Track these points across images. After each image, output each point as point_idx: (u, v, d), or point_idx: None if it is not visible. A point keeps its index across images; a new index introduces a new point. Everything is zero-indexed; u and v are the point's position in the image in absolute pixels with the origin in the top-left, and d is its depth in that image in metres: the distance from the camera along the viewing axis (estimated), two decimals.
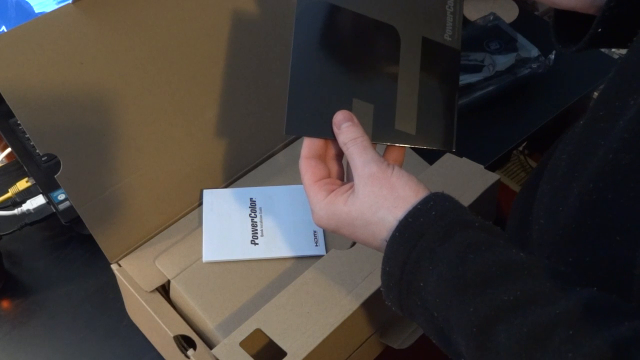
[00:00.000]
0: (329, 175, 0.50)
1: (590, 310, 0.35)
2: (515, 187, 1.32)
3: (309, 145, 0.49)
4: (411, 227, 0.43)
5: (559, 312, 0.35)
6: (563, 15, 0.50)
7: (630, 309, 0.35)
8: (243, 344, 0.51)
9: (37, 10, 0.88)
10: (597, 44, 0.47)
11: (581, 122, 0.48)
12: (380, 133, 0.49)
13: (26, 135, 0.79)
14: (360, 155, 0.47)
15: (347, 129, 0.48)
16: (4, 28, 0.87)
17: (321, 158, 0.50)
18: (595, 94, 1.11)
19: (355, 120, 0.49)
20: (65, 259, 0.75)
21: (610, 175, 0.39)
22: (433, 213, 0.43)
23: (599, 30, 0.45)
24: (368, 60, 0.49)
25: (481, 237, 0.41)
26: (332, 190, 0.48)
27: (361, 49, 0.50)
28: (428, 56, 0.49)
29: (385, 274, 0.44)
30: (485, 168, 0.65)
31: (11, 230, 0.73)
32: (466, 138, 0.88)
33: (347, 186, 0.48)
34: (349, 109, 0.49)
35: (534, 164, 1.34)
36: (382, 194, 0.45)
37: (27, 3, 0.88)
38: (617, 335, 0.33)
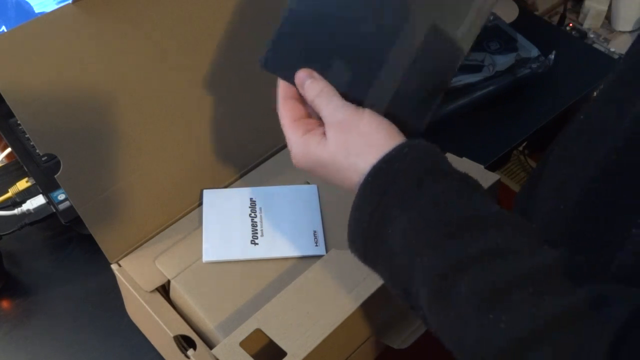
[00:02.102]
0: (307, 116, 0.49)
1: (554, 270, 0.35)
2: (515, 187, 1.32)
3: (286, 86, 0.49)
4: (384, 172, 0.42)
5: (524, 269, 0.35)
6: None
7: (590, 270, 0.36)
8: (243, 344, 0.51)
9: (37, 10, 0.88)
10: None
11: (581, 116, 0.48)
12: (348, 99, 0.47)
13: (26, 135, 0.79)
14: (327, 105, 0.46)
15: (310, 85, 0.48)
16: (4, 28, 0.87)
17: (299, 99, 0.50)
18: (596, 94, 1.11)
19: (316, 74, 0.48)
20: (65, 259, 0.76)
21: (614, 174, 0.39)
22: (408, 159, 0.42)
23: None
24: (367, 26, 0.47)
25: (456, 187, 0.41)
26: (309, 131, 0.47)
27: (364, 13, 0.47)
28: (430, 44, 0.46)
29: (354, 219, 0.44)
30: (485, 168, 0.65)
31: (11, 230, 0.73)
32: (466, 138, 0.88)
33: (322, 129, 0.47)
34: (327, 66, 0.48)
35: (534, 164, 1.34)
36: (352, 141, 0.44)
37: (27, 3, 0.88)
38: (576, 299, 0.33)
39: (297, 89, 0.49)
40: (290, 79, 0.49)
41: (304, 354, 0.50)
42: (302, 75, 0.48)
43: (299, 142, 0.47)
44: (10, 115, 0.78)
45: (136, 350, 0.67)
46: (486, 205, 0.40)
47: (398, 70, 0.47)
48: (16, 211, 0.74)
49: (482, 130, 0.89)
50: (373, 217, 0.42)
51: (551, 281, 0.35)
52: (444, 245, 0.38)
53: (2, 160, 0.86)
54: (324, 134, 0.46)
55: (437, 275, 0.38)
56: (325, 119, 0.46)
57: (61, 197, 0.72)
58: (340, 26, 0.48)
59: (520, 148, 1.30)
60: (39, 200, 0.74)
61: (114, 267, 0.61)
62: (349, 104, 0.46)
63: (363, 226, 0.43)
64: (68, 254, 0.76)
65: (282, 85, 0.50)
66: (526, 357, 0.33)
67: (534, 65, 0.91)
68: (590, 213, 0.42)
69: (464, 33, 0.45)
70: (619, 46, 1.12)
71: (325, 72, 0.48)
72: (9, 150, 0.82)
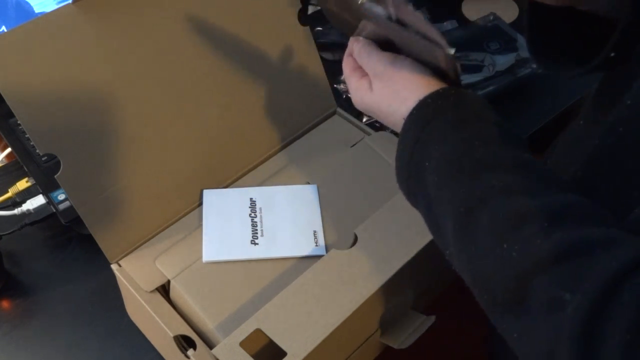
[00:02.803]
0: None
1: (569, 209, 0.36)
2: None
3: (348, 45, 0.54)
4: (428, 107, 0.44)
5: (540, 204, 0.36)
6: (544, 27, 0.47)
7: (607, 217, 0.36)
8: (243, 344, 0.51)
9: (37, 10, 0.88)
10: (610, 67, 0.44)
11: (580, 122, 0.49)
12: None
13: (26, 135, 0.79)
14: (368, 60, 0.50)
15: (354, 47, 0.52)
16: (4, 28, 0.88)
17: None
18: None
19: (360, 38, 0.52)
20: (65, 259, 0.76)
21: (598, 162, 0.40)
22: (452, 99, 0.44)
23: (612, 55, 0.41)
24: None
25: (494, 131, 0.42)
26: (361, 77, 0.52)
27: None
28: None
29: (398, 154, 0.46)
30: None
31: (11, 230, 0.73)
32: None
33: (367, 81, 0.51)
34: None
35: None
36: (395, 88, 0.48)
37: (27, 3, 0.88)
38: (587, 234, 0.34)
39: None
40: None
41: (304, 354, 0.50)
42: (350, 43, 0.53)
43: (353, 87, 0.52)
44: (10, 115, 0.78)
45: (136, 350, 0.67)
46: (519, 151, 0.41)
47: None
48: (16, 211, 0.74)
49: None
50: (414, 151, 0.44)
51: (567, 218, 0.36)
52: (470, 180, 0.40)
53: (2, 160, 0.86)
54: (370, 85, 0.50)
55: (462, 207, 0.39)
56: (370, 71, 0.50)
57: (61, 197, 0.72)
58: None
59: None
60: (39, 200, 0.74)
61: (114, 267, 0.61)
62: (387, 54, 0.50)
63: (405, 160, 0.45)
64: (68, 254, 0.76)
65: (348, 45, 0.54)
66: (532, 283, 0.34)
67: (534, 65, 0.91)
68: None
69: None
70: None
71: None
72: (9, 150, 0.82)
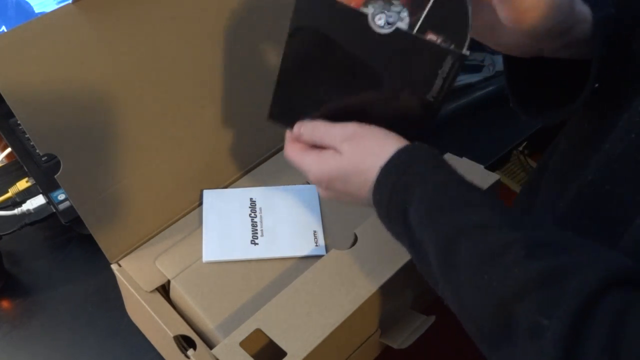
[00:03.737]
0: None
1: (547, 239, 0.38)
2: (515, 187, 1.32)
3: (290, 133, 0.52)
4: (405, 155, 0.45)
5: (518, 236, 0.37)
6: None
7: (583, 243, 0.37)
8: (243, 344, 0.51)
9: (37, 10, 0.89)
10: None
11: (585, 125, 0.48)
12: None
13: (26, 135, 0.79)
14: (331, 129, 0.49)
15: (304, 130, 0.51)
16: (4, 28, 0.88)
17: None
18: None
19: (305, 121, 0.51)
20: (65, 259, 0.76)
21: (609, 167, 0.40)
22: (426, 149, 0.45)
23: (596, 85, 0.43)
24: (347, 84, 0.50)
25: (462, 177, 0.44)
26: (322, 150, 0.50)
27: (345, 72, 0.50)
28: (402, 108, 0.50)
29: (376, 202, 0.46)
30: (485, 168, 0.65)
31: (11, 230, 0.73)
32: (466, 138, 0.88)
33: (332, 149, 0.49)
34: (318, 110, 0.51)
35: (534, 164, 1.34)
36: (368, 145, 0.47)
37: (27, 3, 0.88)
38: (562, 262, 0.35)
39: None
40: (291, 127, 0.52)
41: (304, 354, 0.50)
42: (295, 129, 0.51)
43: (314, 160, 0.50)
44: (10, 115, 0.77)
45: (136, 350, 0.67)
46: (482, 192, 0.43)
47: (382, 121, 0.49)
48: (16, 211, 0.74)
49: (482, 130, 0.89)
50: (393, 192, 0.44)
51: (544, 248, 0.37)
52: (453, 213, 0.41)
53: (2, 160, 0.86)
54: (336, 150, 0.48)
55: (443, 241, 0.40)
56: (335, 139, 0.48)
57: (61, 197, 0.72)
58: (328, 75, 0.50)
59: (520, 148, 1.30)
60: (39, 200, 0.74)
61: (114, 267, 0.61)
62: (348, 122, 0.49)
63: (384, 205, 0.45)
64: (68, 254, 0.76)
65: (287, 133, 0.53)
66: (513, 311, 0.35)
67: None
68: (586, 205, 0.43)
69: (434, 96, 0.48)
70: None
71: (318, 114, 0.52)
72: (9, 150, 0.83)
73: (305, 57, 0.50)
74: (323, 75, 0.50)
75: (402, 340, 0.59)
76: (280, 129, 0.53)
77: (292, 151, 0.51)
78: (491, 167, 0.84)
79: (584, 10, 0.42)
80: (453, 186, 0.43)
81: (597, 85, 0.43)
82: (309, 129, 0.50)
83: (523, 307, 0.35)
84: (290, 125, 0.52)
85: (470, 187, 0.43)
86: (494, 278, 0.37)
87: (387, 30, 0.46)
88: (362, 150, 0.47)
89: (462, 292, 0.39)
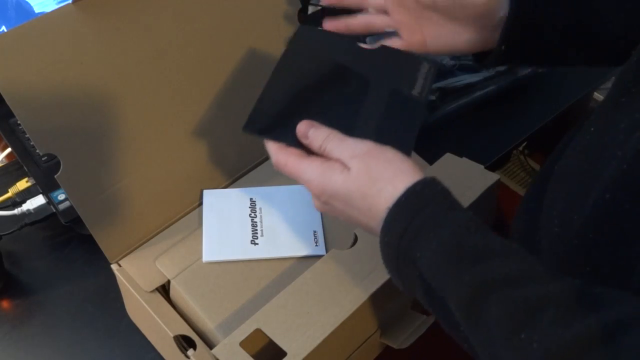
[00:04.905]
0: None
1: (582, 293, 0.36)
2: (515, 187, 1.32)
3: (275, 144, 0.51)
4: (419, 195, 0.43)
5: (552, 291, 0.36)
6: None
7: (619, 296, 0.36)
8: (243, 344, 0.51)
9: (37, 10, 0.88)
10: (506, 60, 0.52)
11: (591, 128, 0.47)
12: None
13: (26, 135, 0.79)
14: (342, 142, 0.47)
15: (314, 133, 0.49)
16: (4, 28, 0.88)
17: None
18: (596, 94, 1.11)
19: (316, 123, 0.50)
20: (65, 259, 0.75)
21: (627, 185, 0.39)
22: (439, 188, 0.43)
23: (503, 48, 0.49)
24: (338, 94, 0.53)
25: (475, 219, 0.42)
26: (327, 161, 0.47)
27: (335, 84, 0.54)
28: (392, 105, 0.53)
29: (384, 244, 0.44)
30: (485, 168, 0.65)
31: (11, 230, 0.73)
32: (466, 138, 0.88)
33: (340, 162, 0.47)
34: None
35: (534, 164, 1.34)
36: (379, 168, 0.45)
37: (27, 3, 0.88)
38: (608, 318, 0.34)
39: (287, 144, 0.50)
40: (274, 138, 0.52)
41: (304, 354, 0.50)
42: (303, 127, 0.49)
43: (316, 172, 0.47)
44: (10, 115, 0.77)
45: (136, 350, 0.67)
46: (498, 238, 0.41)
47: (370, 132, 0.51)
48: (16, 211, 0.74)
49: (482, 130, 0.89)
50: (403, 238, 0.42)
51: (573, 304, 0.35)
52: (475, 265, 0.39)
53: (2, 160, 0.86)
54: (344, 165, 0.46)
55: (469, 295, 0.38)
56: (345, 154, 0.46)
57: (61, 197, 0.72)
58: (315, 95, 0.53)
59: (520, 148, 1.30)
60: (39, 200, 0.74)
61: (114, 267, 0.61)
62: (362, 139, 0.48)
63: (392, 249, 0.43)
64: (68, 254, 0.76)
65: (270, 145, 0.51)
66: None
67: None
68: (605, 223, 0.41)
69: (419, 92, 0.53)
70: None
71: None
72: (9, 150, 0.82)
73: (297, 72, 0.54)
74: (312, 89, 0.53)
75: (402, 340, 0.59)
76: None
77: (287, 158, 0.49)
78: (491, 167, 0.84)
79: None
80: (471, 232, 0.40)
81: (504, 47, 0.49)
82: (323, 133, 0.48)
83: None
84: (271, 136, 0.52)
85: (486, 231, 0.41)
86: (533, 338, 0.35)
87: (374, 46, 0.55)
88: (371, 172, 0.45)
89: (494, 347, 0.37)
